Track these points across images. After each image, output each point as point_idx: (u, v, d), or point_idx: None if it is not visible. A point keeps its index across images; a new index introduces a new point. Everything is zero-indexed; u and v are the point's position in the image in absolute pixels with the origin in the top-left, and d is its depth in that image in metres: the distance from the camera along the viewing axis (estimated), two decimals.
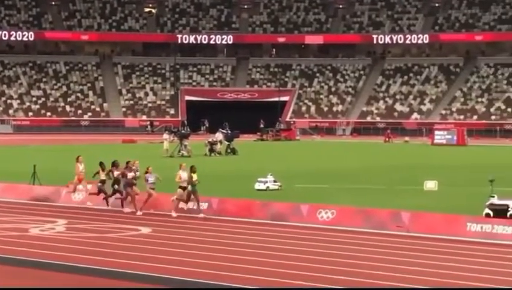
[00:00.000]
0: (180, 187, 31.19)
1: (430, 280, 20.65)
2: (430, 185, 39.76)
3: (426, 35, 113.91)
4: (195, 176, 30.88)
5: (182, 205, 31.45)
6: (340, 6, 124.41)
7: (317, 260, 22.49)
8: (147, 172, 31.83)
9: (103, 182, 32.98)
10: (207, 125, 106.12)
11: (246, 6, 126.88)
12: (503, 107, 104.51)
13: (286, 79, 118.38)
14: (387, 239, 26.62)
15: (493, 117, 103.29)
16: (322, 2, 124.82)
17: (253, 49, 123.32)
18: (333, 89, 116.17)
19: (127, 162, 32.60)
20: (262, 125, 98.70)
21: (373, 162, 59.41)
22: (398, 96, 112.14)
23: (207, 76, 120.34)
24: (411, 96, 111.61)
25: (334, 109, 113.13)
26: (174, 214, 31.05)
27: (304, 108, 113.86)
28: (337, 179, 32.90)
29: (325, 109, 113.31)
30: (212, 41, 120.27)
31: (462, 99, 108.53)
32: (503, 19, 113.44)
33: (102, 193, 33.08)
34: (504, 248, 25.60)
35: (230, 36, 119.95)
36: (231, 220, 29.99)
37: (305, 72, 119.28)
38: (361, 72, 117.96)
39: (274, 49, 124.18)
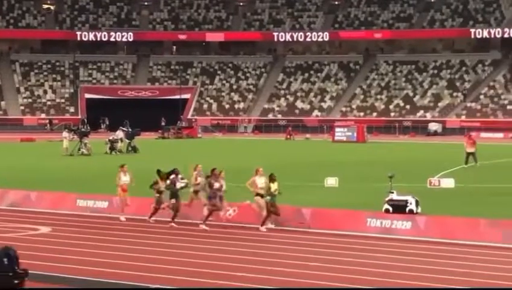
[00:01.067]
0: (258, 195, 27.87)
1: (331, 275, 20.97)
2: (331, 181, 40.19)
3: (326, 33, 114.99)
4: (274, 186, 27.49)
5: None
6: (241, 3, 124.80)
7: (215, 257, 22.80)
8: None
9: (161, 193, 29.32)
10: (107, 123, 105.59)
11: (146, 3, 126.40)
12: (402, 104, 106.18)
13: (187, 76, 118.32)
14: (289, 235, 26.92)
15: (392, 114, 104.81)
16: (222, 0, 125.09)
17: (154, 46, 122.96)
18: (235, 87, 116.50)
19: (213, 170, 28.78)
20: (163, 123, 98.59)
21: (275, 159, 59.72)
22: (299, 94, 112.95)
23: (107, 74, 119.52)
24: (312, 94, 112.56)
25: (236, 106, 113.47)
26: (263, 229, 27.68)
27: (205, 105, 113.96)
28: (239, 176, 32.94)
29: (227, 106, 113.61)
30: (112, 39, 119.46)
31: (361, 97, 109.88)
32: (401, 17, 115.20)
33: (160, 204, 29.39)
34: (402, 242, 26.13)
35: (131, 33, 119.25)
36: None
37: (207, 70, 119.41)
38: (263, 70, 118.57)
39: (175, 47, 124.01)
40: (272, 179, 27.53)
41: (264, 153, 67.12)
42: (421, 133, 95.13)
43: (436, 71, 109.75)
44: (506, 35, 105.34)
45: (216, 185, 27.96)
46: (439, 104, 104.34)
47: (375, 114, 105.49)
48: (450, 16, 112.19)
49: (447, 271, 21.41)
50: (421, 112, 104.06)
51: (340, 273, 21.19)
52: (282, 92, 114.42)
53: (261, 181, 27.86)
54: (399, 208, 29.19)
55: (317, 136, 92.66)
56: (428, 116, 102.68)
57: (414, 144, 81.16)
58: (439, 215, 28.64)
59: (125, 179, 30.17)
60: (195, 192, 29.20)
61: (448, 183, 39.39)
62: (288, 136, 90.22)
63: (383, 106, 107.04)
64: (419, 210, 29.04)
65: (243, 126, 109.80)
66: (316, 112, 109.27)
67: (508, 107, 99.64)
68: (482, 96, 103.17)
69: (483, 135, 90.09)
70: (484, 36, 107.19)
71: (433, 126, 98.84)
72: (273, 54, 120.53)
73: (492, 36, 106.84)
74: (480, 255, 23.99)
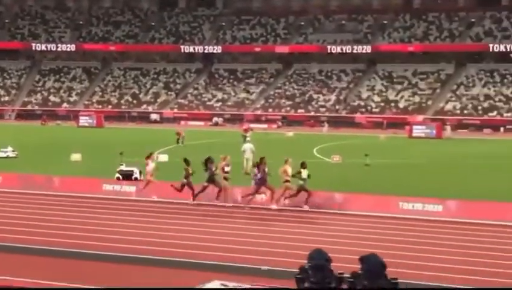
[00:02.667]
0: (287, 181, 24.77)
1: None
2: (76, 157, 39.86)
3: (73, 45, 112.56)
4: (305, 172, 24.62)
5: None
6: (7, 20, 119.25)
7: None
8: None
9: (188, 177, 25.73)
10: None
11: None
12: (130, 99, 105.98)
13: None
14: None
15: (123, 107, 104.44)
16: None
17: None
18: (1, 84, 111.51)
19: (262, 158, 25.52)
20: None
21: (32, 139, 58.00)
22: (51, 90, 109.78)
23: None
24: (62, 90, 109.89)
25: (2, 99, 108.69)
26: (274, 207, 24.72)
27: None
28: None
29: None
30: None
31: (100, 93, 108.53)
32: (130, 35, 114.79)
33: (189, 188, 25.76)
34: (130, 201, 26.43)
35: None
36: None
37: None
38: (23, 72, 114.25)
39: None
40: (304, 166, 24.74)
41: (24, 134, 64.98)
42: (145, 121, 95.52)
43: (156, 76, 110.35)
44: (206, 51, 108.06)
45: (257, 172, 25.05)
46: (158, 100, 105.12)
47: (110, 106, 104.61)
48: (166, 36, 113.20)
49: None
50: (145, 105, 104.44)
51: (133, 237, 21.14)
52: (39, 88, 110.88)
53: (289, 170, 24.76)
54: (127, 176, 29.57)
55: (66, 123, 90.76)
56: (150, 108, 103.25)
57: (140, 129, 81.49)
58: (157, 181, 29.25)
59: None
60: (225, 179, 25.78)
61: (164, 157, 40.21)
62: (43, 123, 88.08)
63: (116, 101, 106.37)
64: (142, 178, 29.50)
65: (7, 114, 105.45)
66: (65, 104, 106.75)
67: (208, 103, 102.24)
68: (189, 95, 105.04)
69: (190, 123, 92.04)
70: (190, 51, 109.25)
71: (154, 116, 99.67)
72: (31, 60, 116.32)
73: (196, 51, 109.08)
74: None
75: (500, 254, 18.25)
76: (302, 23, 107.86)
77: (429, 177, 34.65)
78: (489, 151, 53.52)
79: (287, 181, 24.63)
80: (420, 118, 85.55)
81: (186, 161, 26.10)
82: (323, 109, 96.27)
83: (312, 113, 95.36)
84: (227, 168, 25.85)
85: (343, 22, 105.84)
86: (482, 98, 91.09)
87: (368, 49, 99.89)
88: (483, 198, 25.57)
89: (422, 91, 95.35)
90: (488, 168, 39.83)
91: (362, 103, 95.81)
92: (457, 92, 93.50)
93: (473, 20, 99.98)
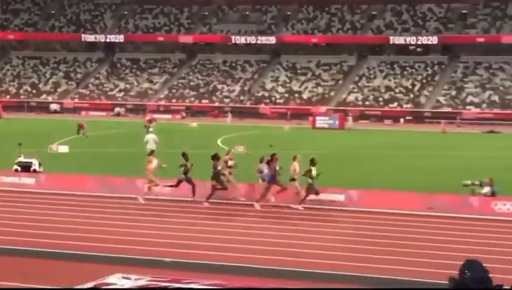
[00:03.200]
0: (293, 180, 23.77)
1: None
2: None
3: None
4: (314, 170, 23.50)
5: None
6: None
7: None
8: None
9: (187, 173, 24.35)
10: None
11: None
12: (29, 89, 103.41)
13: None
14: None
15: (22, 96, 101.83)
16: None
17: None
18: None
19: (273, 154, 24.36)
20: None
21: None
22: None
23: None
24: None
25: None
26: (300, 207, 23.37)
27: None
28: None
29: None
30: None
31: None
32: (29, 23, 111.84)
33: (188, 183, 24.40)
34: (28, 194, 25.82)
35: None
36: None
37: None
38: None
39: None
40: (313, 163, 23.65)
41: None
42: (44, 112, 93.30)
43: (56, 65, 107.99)
44: (108, 40, 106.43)
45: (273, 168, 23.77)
46: (58, 90, 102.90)
47: (8, 96, 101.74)
48: (66, 24, 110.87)
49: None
50: (44, 95, 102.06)
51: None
52: None
53: (298, 167, 23.88)
54: (26, 168, 28.85)
55: None
56: (50, 98, 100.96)
57: (39, 119, 79.48)
58: (57, 173, 28.64)
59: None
60: (230, 174, 24.78)
61: (64, 149, 39.45)
62: None
63: (15, 90, 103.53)
64: (41, 169, 28.88)
65: None
66: None
67: (109, 93, 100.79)
68: (90, 85, 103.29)
69: (92, 113, 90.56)
70: (92, 40, 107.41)
71: (54, 106, 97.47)
72: None
73: (98, 40, 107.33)
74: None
75: (397, 242, 18.76)
76: (206, 13, 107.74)
77: (332, 167, 35.25)
78: (390, 141, 54.88)
79: (293, 180, 23.58)
80: (323, 109, 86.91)
81: (184, 155, 24.47)
82: (227, 100, 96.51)
83: (216, 104, 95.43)
84: (230, 163, 24.87)
85: (247, 12, 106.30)
86: (383, 90, 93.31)
87: (272, 40, 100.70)
88: (383, 187, 26.25)
89: (326, 82, 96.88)
90: (388, 158, 40.86)
91: (266, 94, 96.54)
92: (359, 84, 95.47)
93: (374, 12, 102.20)
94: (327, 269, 15.45)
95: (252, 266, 15.53)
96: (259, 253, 16.94)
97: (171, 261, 15.82)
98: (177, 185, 24.41)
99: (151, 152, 26.55)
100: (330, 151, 44.66)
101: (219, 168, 24.04)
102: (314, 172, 23.23)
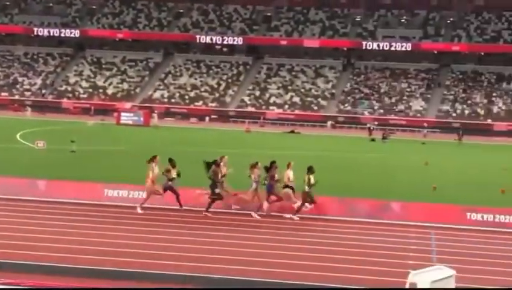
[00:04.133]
0: (287, 187, 22.31)
1: None
2: None
3: None
4: (313, 178, 22.23)
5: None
6: None
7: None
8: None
9: (172, 180, 22.52)
10: None
11: None
12: None
13: None
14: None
15: None
16: None
17: None
18: None
19: (273, 163, 22.55)
20: None
21: None
22: None
23: None
24: None
25: None
26: (295, 217, 22.24)
27: None
28: None
29: None
30: None
31: None
32: None
33: (172, 191, 22.53)
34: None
35: None
36: None
37: None
38: None
39: None
40: (311, 171, 22.37)
41: None
42: None
43: None
44: None
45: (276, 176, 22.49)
46: None
47: None
48: None
49: None
50: None
51: None
52: None
53: (291, 174, 22.50)
54: None
55: None
56: None
57: None
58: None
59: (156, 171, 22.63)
60: (290, 188, 22.60)
61: None
62: None
63: None
64: None
65: None
66: None
67: None
68: None
69: None
70: None
71: None
72: None
73: None
74: None
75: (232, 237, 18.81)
76: (8, 3, 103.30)
77: (135, 164, 34.92)
78: (195, 138, 55.27)
79: (287, 187, 22.48)
80: (128, 105, 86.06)
81: (171, 161, 22.93)
82: (28, 93, 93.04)
83: (16, 97, 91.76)
84: (224, 170, 23.04)
85: (51, 4, 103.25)
86: (188, 88, 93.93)
87: (76, 33, 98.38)
88: (185, 184, 26.29)
89: (131, 78, 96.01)
90: (193, 155, 41.09)
91: (69, 88, 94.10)
92: (165, 81, 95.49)
93: (181, 10, 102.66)
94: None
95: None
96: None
97: None
98: (162, 193, 22.74)
99: (153, 158, 22.92)
100: (134, 147, 44.22)
101: (220, 176, 22.67)
102: (312, 180, 22.31)
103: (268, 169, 22.43)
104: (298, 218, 22.20)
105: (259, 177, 22.47)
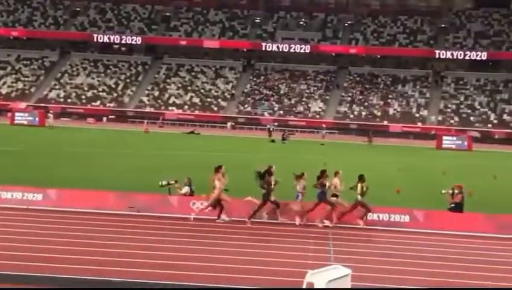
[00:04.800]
0: (335, 195, 21.90)
1: None
2: None
3: None
4: (364, 186, 21.78)
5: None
6: None
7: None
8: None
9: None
10: None
11: None
12: None
13: None
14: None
15: None
16: None
17: None
18: None
19: (323, 171, 22.12)
20: None
21: None
22: None
23: None
24: None
25: None
26: (328, 223, 21.99)
27: None
28: None
29: None
30: None
31: None
32: None
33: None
34: None
35: None
36: None
37: None
38: None
39: None
40: (362, 179, 21.82)
41: None
42: None
43: None
44: None
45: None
46: None
47: None
48: None
49: None
50: None
51: None
52: None
53: (339, 183, 22.05)
54: None
55: None
56: None
57: None
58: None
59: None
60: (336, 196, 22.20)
61: None
62: None
63: None
64: None
65: None
66: None
67: None
68: None
69: None
70: None
71: None
72: None
73: None
74: None
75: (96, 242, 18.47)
76: None
77: (28, 164, 34.01)
78: (92, 139, 54.39)
79: (336, 196, 22.04)
80: (23, 105, 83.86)
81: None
82: None
83: None
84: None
85: None
86: (86, 88, 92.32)
87: None
88: (81, 186, 25.75)
89: (26, 78, 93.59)
90: (90, 156, 40.36)
91: None
92: (62, 80, 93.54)
93: (78, 9, 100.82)
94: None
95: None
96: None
97: None
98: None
99: (219, 167, 22.17)
100: (27, 148, 43.06)
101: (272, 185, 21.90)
102: (364, 188, 21.83)
103: (319, 177, 22.02)
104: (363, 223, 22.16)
105: (305, 189, 22.12)
